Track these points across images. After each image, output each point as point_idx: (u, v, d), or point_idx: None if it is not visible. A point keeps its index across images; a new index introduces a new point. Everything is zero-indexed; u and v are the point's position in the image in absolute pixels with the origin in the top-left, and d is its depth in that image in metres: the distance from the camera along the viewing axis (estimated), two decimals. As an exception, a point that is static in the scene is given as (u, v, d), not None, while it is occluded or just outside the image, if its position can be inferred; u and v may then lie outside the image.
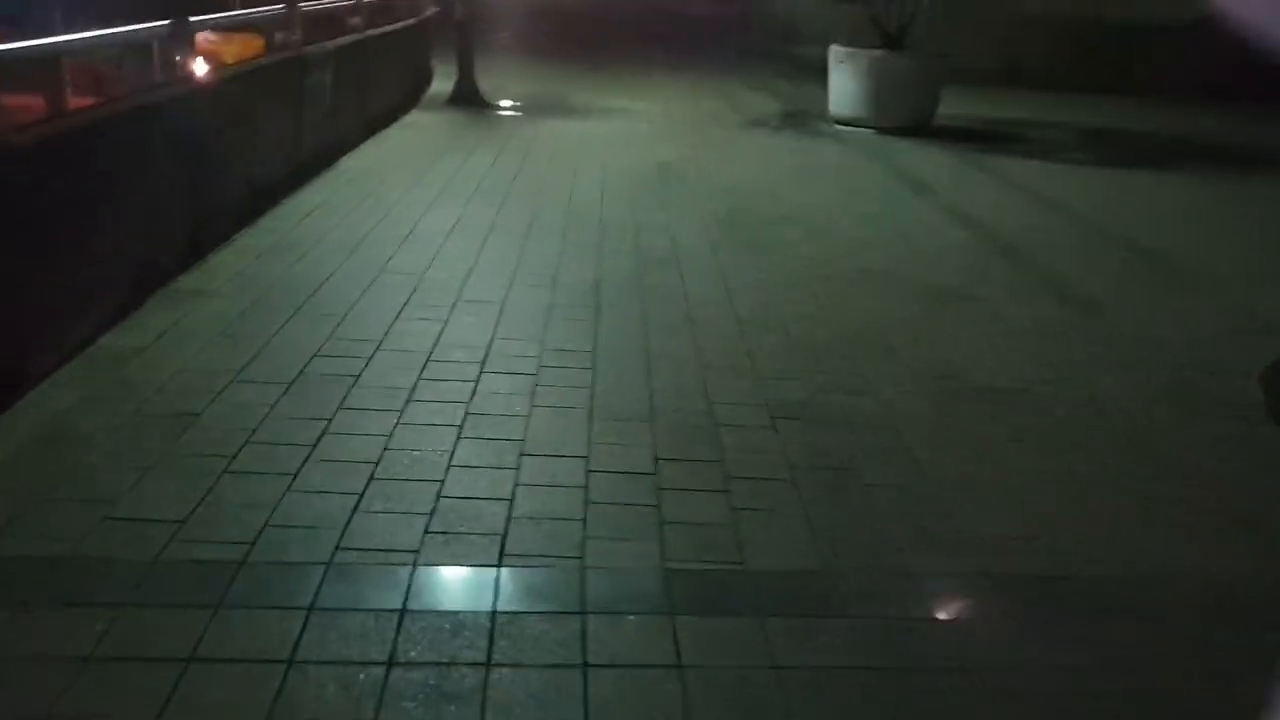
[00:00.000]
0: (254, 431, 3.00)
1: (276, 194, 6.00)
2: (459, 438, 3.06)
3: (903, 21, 10.35)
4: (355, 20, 7.73)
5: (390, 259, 4.95)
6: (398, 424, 3.12)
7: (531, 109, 10.65)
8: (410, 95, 10.07)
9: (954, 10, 10.59)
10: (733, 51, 19.17)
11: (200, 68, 5.32)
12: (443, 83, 11.04)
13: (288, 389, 3.31)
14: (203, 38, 6.65)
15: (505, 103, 10.85)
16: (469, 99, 10.42)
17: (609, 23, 30.51)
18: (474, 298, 4.43)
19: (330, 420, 3.11)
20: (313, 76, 6.51)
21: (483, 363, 3.66)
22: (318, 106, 6.69)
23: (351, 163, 7.20)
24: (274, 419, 3.09)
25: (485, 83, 11.82)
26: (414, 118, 9.44)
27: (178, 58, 4.56)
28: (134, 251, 4.08)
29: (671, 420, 3.27)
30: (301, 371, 3.46)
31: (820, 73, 16.17)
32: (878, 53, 10.19)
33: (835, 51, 10.44)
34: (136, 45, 4.30)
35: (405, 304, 4.27)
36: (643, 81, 14.02)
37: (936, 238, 6.20)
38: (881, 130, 10.08)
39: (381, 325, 3.99)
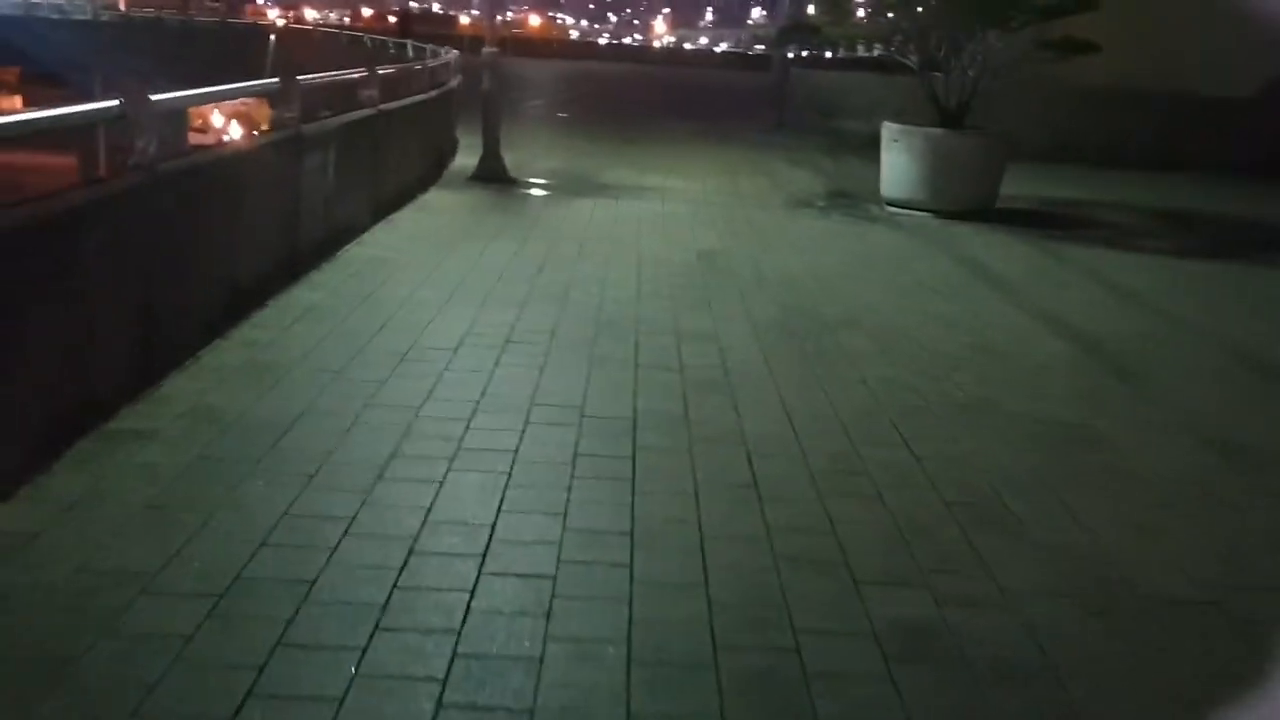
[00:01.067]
0: (149, 694, 2.10)
1: (265, 293, 5.19)
2: (440, 705, 2.13)
3: (963, 97, 9.55)
4: (368, 93, 6.99)
5: (382, 386, 4.08)
6: (354, 679, 2.19)
7: (561, 187, 9.90)
8: (430, 173, 9.35)
9: (1006, 83, 9.78)
10: (772, 124, 18.53)
11: (178, 148, 4.54)
12: (468, 157, 10.33)
13: (214, 607, 2.41)
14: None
15: (533, 180, 10.13)
16: (493, 176, 9.69)
17: (644, 92, 30.04)
18: (479, 445, 3.54)
19: (261, 670, 2.20)
20: (312, 157, 5.75)
21: (483, 556, 2.75)
22: (318, 190, 5.92)
23: (357, 252, 6.41)
24: (180, 671, 2.19)
25: (512, 157, 11.14)
26: (433, 197, 8.69)
27: (141, 142, 3.77)
28: (52, 386, 3.24)
29: (742, 667, 2.33)
30: (239, 575, 2.56)
31: (864, 149, 15.48)
32: (936, 131, 9.38)
33: (889, 129, 9.64)
34: (75, 129, 3.51)
35: (391, 456, 3.38)
36: (679, 156, 13.31)
37: (1030, 350, 5.28)
38: (940, 214, 9.23)
39: (357, 491, 3.10)
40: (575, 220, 8.09)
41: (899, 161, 9.45)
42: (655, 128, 17.63)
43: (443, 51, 12.96)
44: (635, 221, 8.22)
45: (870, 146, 15.44)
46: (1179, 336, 5.86)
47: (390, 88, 7.53)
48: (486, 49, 9.58)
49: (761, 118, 20.29)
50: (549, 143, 14.21)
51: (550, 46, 59.60)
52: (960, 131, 9.44)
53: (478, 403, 3.96)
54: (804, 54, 30.57)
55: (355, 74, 6.93)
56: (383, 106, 7.19)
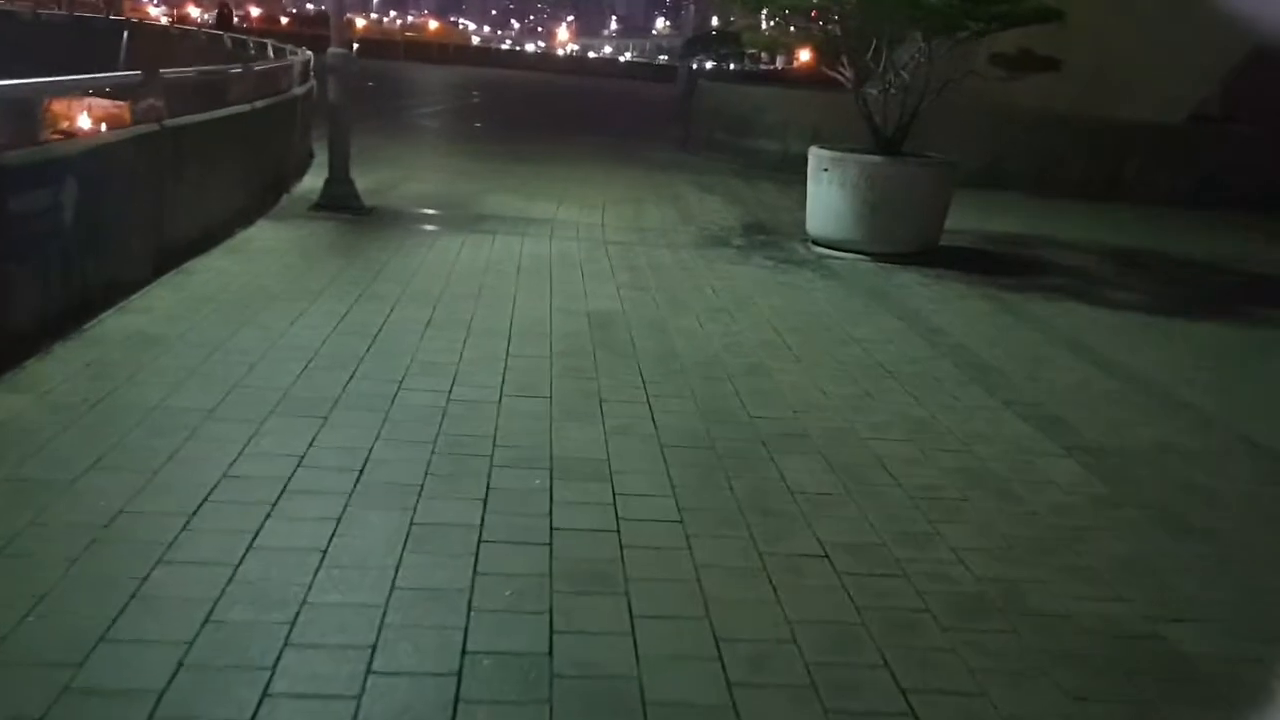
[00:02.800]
0: None
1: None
2: None
3: (902, 119, 8.18)
4: (148, 104, 5.21)
5: (40, 601, 2.38)
6: None
7: (427, 218, 8.21)
8: (260, 200, 7.54)
9: (935, 102, 8.49)
10: (677, 141, 17.09)
11: None
12: (321, 178, 8.55)
13: None
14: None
15: (394, 209, 8.40)
16: (341, 204, 7.94)
17: (542, 102, 28.20)
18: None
19: None
20: (34, 196, 3.97)
21: None
22: (47, 240, 4.14)
23: (113, 324, 4.62)
24: None
25: (377, 177, 9.45)
26: (256, 234, 6.89)
27: None
28: None
29: None
30: None
31: (779, 171, 14.17)
32: (874, 158, 7.98)
33: (817, 155, 8.20)
34: None
35: None
36: (576, 177, 11.71)
37: (1037, 476, 3.82)
38: (877, 256, 7.84)
39: None
40: (436, 266, 6.42)
41: (829, 195, 8.02)
42: (551, 143, 16.01)
43: (289, 52, 11.08)
44: (513, 268, 6.59)
45: (785, 168, 14.19)
46: (1209, 442, 4.50)
47: (184, 96, 5.73)
48: (333, 50, 7.83)
49: (667, 133, 18.86)
50: (426, 159, 12.47)
51: (447, 51, 57.36)
52: (900, 159, 8.06)
53: (188, 647, 2.29)
54: (709, 65, 29.34)
55: (121, 78, 5.13)
56: (170, 122, 5.40)
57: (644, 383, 4.46)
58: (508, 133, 17.27)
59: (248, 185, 7.15)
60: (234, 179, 6.82)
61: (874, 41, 8.44)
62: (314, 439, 3.51)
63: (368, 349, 4.57)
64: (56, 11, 29.36)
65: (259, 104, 7.20)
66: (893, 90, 8.30)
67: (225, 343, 4.46)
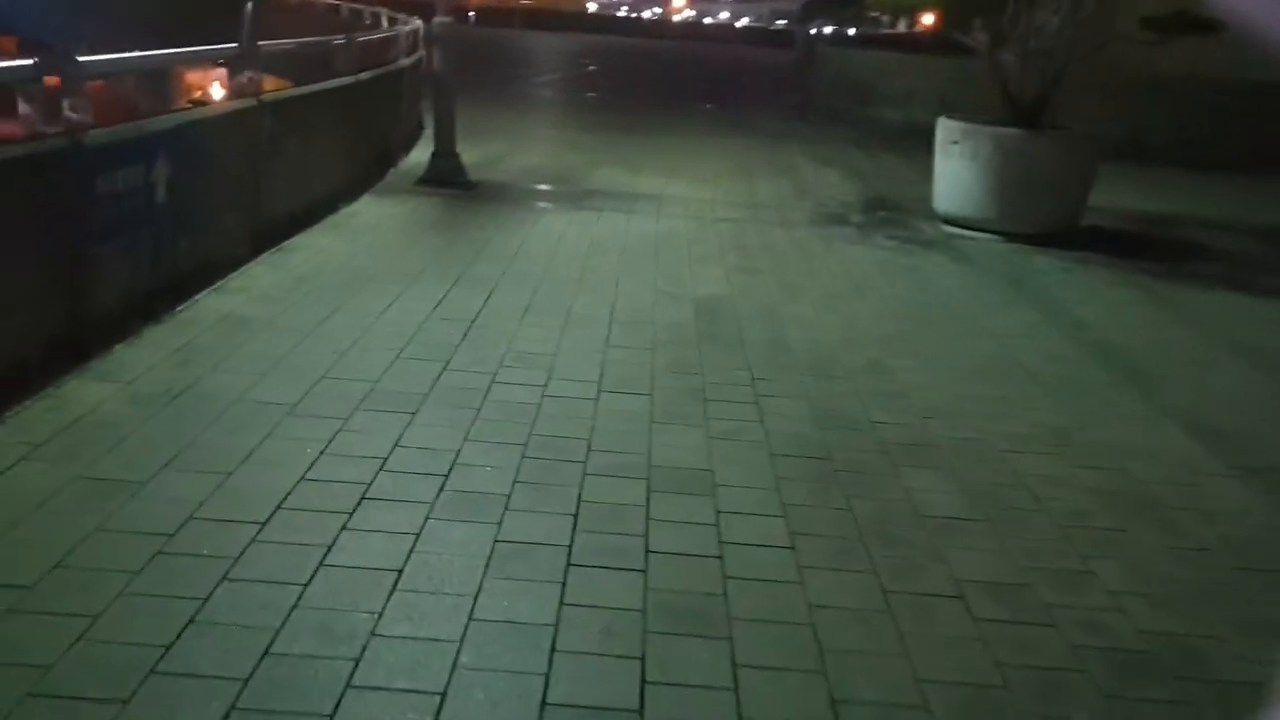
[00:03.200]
0: None
1: (23, 386, 3.32)
2: None
3: (1042, 88, 7.53)
4: (239, 81, 5.05)
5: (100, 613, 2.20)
6: None
7: (532, 193, 7.97)
8: (366, 174, 7.41)
9: (1075, 71, 7.76)
10: (795, 110, 16.49)
11: None
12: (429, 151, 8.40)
13: None
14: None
15: (499, 183, 8.19)
16: (447, 179, 7.75)
17: (655, 70, 27.68)
18: None
19: None
20: (118, 177, 3.84)
21: None
22: (129, 228, 4.01)
23: (209, 305, 4.49)
24: None
25: (483, 150, 9.27)
26: (360, 210, 6.75)
27: None
28: None
29: None
30: None
31: (902, 142, 13.43)
32: (1010, 132, 7.36)
33: (946, 127, 7.63)
34: None
35: None
36: (686, 149, 11.33)
37: (1205, 504, 3.32)
38: (1011, 237, 7.25)
39: None
40: (538, 246, 6.16)
41: (960, 169, 7.45)
42: (662, 112, 15.62)
43: (400, 22, 10.96)
44: (618, 248, 6.28)
45: (908, 138, 13.45)
46: None
47: (284, 69, 5.58)
48: (439, 19, 7.61)
49: (783, 102, 18.25)
50: (536, 131, 12.26)
51: (563, 18, 57.25)
52: (1039, 133, 7.43)
53: (242, 686, 2.06)
54: (829, 30, 28.38)
55: (216, 50, 4.98)
56: (269, 95, 5.25)
57: (753, 379, 4.11)
58: (619, 102, 16.95)
59: (351, 159, 7.02)
60: (337, 153, 6.68)
61: (1010, 2, 7.79)
62: (399, 438, 3.27)
63: (463, 336, 4.33)
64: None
65: (363, 76, 7.03)
66: (1031, 56, 7.64)
67: (317, 328, 4.28)
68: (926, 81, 13.77)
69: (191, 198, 4.49)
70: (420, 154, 8.68)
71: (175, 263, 4.39)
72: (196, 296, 4.53)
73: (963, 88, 13.49)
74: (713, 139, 12.63)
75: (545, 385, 3.84)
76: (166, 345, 3.91)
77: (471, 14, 56.22)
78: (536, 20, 54.03)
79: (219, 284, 4.74)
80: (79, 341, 3.65)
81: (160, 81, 9.05)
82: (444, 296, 4.90)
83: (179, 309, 4.35)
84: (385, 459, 3.12)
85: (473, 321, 4.55)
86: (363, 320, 4.43)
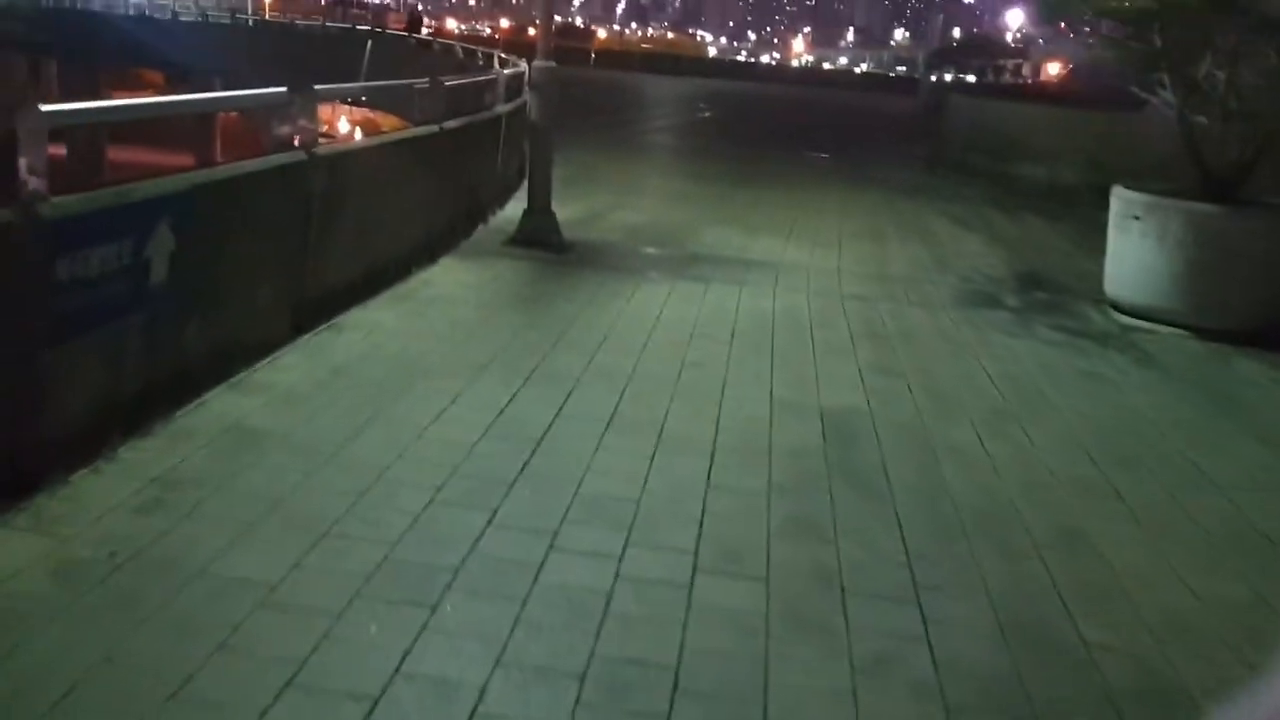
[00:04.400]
0: None
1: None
2: None
3: (1243, 157, 6.25)
4: (285, 130, 4.22)
5: None
6: None
7: (632, 257, 7.03)
8: (451, 232, 6.58)
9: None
10: (921, 162, 15.28)
11: None
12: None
13: None
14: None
15: (597, 242, 7.28)
16: (538, 239, 6.87)
17: (773, 115, 26.52)
18: None
19: None
20: (90, 257, 3.00)
21: None
22: (107, 318, 3.17)
23: (217, 409, 3.62)
24: None
25: (584, 204, 8.42)
26: (435, 276, 5.89)
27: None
28: None
29: None
30: None
31: (1048, 205, 12.11)
32: (1205, 207, 6.10)
33: (1124, 198, 6.39)
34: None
35: None
36: (806, 205, 10.28)
37: None
38: (1205, 333, 5.96)
39: None
40: (632, 328, 5.18)
41: (1142, 249, 6.20)
42: (781, 162, 14.61)
43: (510, 63, 10.24)
44: (727, 332, 5.26)
45: (1054, 200, 12.12)
46: None
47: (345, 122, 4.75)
48: (537, 64, 6.77)
49: (910, 152, 17.05)
50: (643, 182, 11.38)
51: (681, 63, 56.98)
52: (1242, 209, 6.15)
53: None
54: (967, 79, 26.99)
55: (262, 96, 4.16)
56: (323, 149, 4.41)
57: (908, 555, 3.01)
58: (734, 150, 16.00)
59: (431, 217, 6.19)
60: (413, 211, 5.85)
61: (1207, 54, 6.54)
62: (402, 659, 2.29)
63: (522, 468, 3.36)
64: (314, 22, 30.88)
65: (449, 124, 6.20)
66: (1231, 118, 6.37)
67: (340, 449, 3.36)
68: (1075, 139, 12.45)
69: (208, 272, 3.66)
70: (517, 207, 7.82)
71: (179, 354, 3.55)
72: (205, 395, 3.68)
73: (1116, 147, 12.15)
74: (835, 193, 11.55)
75: (620, 558, 2.82)
76: (140, 474, 3.03)
77: (592, 55, 56.56)
78: (655, 63, 53.86)
79: (238, 377, 3.89)
80: (22, 473, 2.80)
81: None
82: (509, 402, 3.95)
83: (179, 413, 3.49)
84: (375, 701, 2.13)
85: (538, 443, 3.57)
86: (401, 437, 3.50)
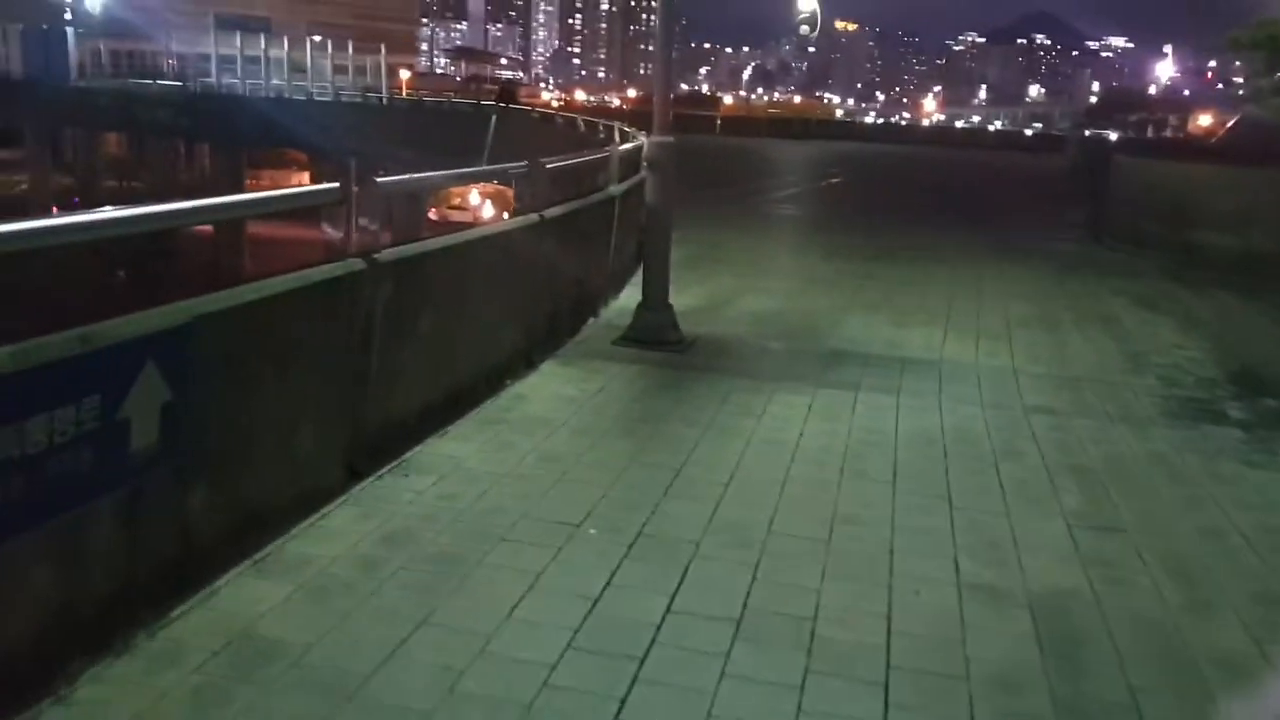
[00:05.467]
0: None
1: None
2: None
3: None
4: (347, 230, 3.43)
5: None
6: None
7: (763, 356, 6.05)
8: (546, 336, 5.73)
9: None
10: (1081, 230, 13.85)
11: None
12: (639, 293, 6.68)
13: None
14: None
15: (721, 337, 6.33)
16: (654, 337, 5.97)
17: (906, 181, 25.07)
18: None
19: None
20: (28, 428, 2.20)
21: None
22: (67, 503, 2.37)
23: (189, 628, 2.76)
24: None
25: (706, 289, 7.54)
26: (529, 389, 5.02)
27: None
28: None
29: None
30: None
31: (1236, 275, 10.58)
32: None
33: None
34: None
35: None
36: (959, 283, 9.11)
37: None
38: None
39: None
40: (764, 462, 4.16)
41: None
42: (923, 232, 13.42)
43: (616, 137, 9.49)
44: (886, 468, 4.19)
45: (1249, 272, 10.56)
46: None
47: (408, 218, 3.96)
48: (654, 140, 5.93)
49: (1064, 218, 15.60)
50: (772, 260, 10.40)
51: (809, 126, 56.18)
52: None
53: None
54: (1113, 136, 25.19)
55: (310, 192, 3.38)
56: (388, 254, 3.60)
57: None
58: (869, 220, 14.88)
59: (529, 319, 5.36)
60: (504, 315, 5.03)
61: None
62: None
63: (617, 712, 2.37)
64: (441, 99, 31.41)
65: (551, 211, 5.39)
66: None
67: (367, 681, 2.45)
68: (1270, 200, 10.90)
69: (223, 422, 2.86)
70: (633, 296, 6.94)
71: (179, 535, 2.73)
72: (219, 581, 2.85)
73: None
74: (990, 266, 10.31)
75: None
76: (85, 729, 2.19)
77: (718, 122, 56.38)
78: (783, 128, 53.22)
79: (267, 550, 3.05)
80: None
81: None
82: (605, 586, 2.99)
83: (176, 613, 2.67)
84: None
85: (640, 665, 2.59)
86: (456, 654, 2.57)
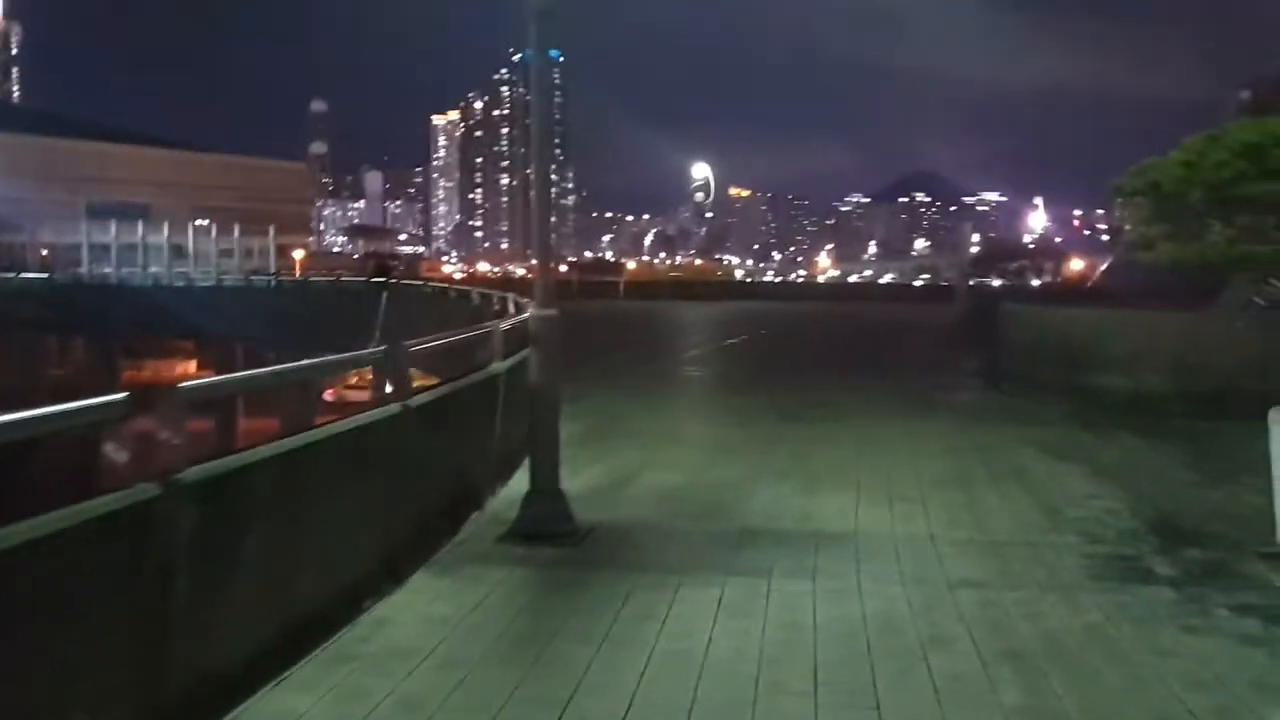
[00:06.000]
0: None
1: None
2: None
3: None
4: (136, 450, 2.89)
5: None
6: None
7: (664, 541, 5.58)
8: (415, 540, 5.14)
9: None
10: (980, 378, 13.93)
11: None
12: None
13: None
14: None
15: (618, 524, 5.82)
16: (544, 530, 5.45)
17: (807, 337, 24.98)
18: None
19: None
20: None
21: None
22: None
23: None
24: None
25: (607, 466, 7.12)
26: (393, 611, 4.37)
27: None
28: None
29: None
30: None
31: (1132, 417, 10.58)
32: None
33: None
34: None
35: None
36: (867, 441, 8.85)
37: None
38: None
39: None
40: (668, 681, 3.62)
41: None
42: (826, 389, 13.30)
43: (511, 308, 9.20)
44: (805, 677, 3.68)
45: (1146, 413, 10.56)
46: None
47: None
48: (535, 313, 5.58)
49: (961, 366, 15.74)
50: (677, 427, 10.01)
51: (709, 288, 57.56)
52: None
53: None
54: (995, 283, 26.16)
55: (78, 410, 2.84)
56: (194, 472, 3.04)
57: None
58: (775, 379, 14.75)
59: (393, 523, 4.80)
60: (361, 523, 4.46)
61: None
62: None
63: None
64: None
65: (416, 400, 4.91)
66: None
67: None
68: (1157, 342, 11.12)
69: None
70: (523, 481, 6.39)
71: None
72: None
73: (1203, 349, 10.81)
74: (899, 421, 10.11)
75: None
76: None
77: (622, 287, 57.34)
78: (685, 290, 54.32)
79: None
80: None
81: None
82: None
83: None
84: None
85: None
86: None
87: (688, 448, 8.67)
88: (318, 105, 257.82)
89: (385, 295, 22.08)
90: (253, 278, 36.17)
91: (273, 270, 42.70)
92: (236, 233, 50.75)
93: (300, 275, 46.94)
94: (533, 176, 5.63)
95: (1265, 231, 4.83)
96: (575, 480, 7.10)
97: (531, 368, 5.61)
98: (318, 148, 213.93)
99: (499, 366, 6.40)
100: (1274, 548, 5.21)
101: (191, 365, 38.00)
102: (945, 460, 8.08)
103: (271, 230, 51.24)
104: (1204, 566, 5.17)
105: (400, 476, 4.83)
